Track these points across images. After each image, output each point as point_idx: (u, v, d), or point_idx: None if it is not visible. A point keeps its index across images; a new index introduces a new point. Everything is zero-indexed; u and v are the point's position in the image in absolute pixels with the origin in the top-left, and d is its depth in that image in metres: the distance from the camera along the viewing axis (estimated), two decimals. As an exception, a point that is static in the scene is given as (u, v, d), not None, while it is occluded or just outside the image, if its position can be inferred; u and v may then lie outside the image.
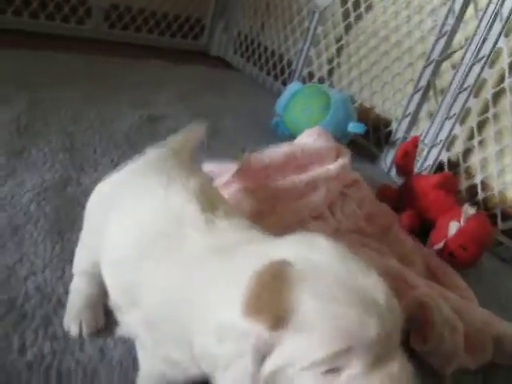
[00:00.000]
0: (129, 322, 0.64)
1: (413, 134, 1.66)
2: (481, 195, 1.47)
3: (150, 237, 0.61)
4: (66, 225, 0.95)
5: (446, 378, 0.89)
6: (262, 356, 0.44)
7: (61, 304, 0.79)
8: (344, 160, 1.20)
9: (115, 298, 0.66)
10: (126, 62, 1.95)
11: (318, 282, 0.45)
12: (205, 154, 1.36)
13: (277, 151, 1.15)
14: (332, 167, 1.16)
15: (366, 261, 0.50)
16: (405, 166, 1.37)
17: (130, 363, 0.73)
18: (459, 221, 1.17)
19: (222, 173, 1.08)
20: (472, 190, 1.51)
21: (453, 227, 1.17)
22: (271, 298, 0.44)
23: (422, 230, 1.29)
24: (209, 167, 1.24)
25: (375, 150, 1.79)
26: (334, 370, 0.43)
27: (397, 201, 1.36)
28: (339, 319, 0.42)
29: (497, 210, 1.43)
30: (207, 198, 0.65)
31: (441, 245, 1.17)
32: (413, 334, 0.94)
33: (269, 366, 0.44)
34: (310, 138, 1.25)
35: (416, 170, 1.53)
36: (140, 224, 0.63)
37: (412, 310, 0.93)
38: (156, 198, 0.65)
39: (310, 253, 0.48)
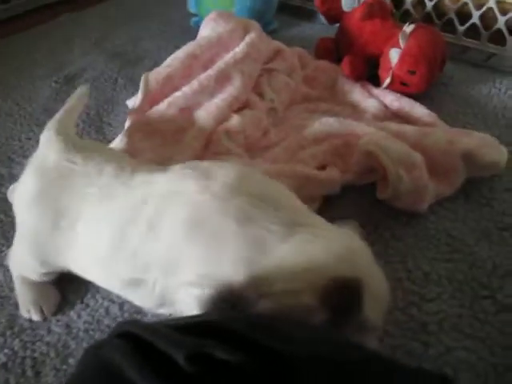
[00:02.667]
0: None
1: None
2: (430, 4, 1.31)
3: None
4: (8, 226, 0.93)
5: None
6: None
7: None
8: (251, 36, 1.06)
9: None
10: (25, 34, 1.77)
11: None
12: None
13: (174, 57, 1.04)
14: (237, 49, 1.04)
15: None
16: (329, 10, 1.22)
17: (96, 327, 0.74)
18: (399, 46, 1.04)
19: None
20: (420, 3, 1.35)
21: (394, 55, 1.05)
22: None
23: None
24: (131, 103, 1.17)
25: (311, 6, 1.60)
26: None
27: (336, 52, 1.23)
28: None
29: (451, 14, 1.28)
30: None
31: (388, 79, 1.06)
32: (378, 186, 0.89)
33: None
34: (207, 29, 1.11)
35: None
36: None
37: (363, 162, 0.88)
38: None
39: None
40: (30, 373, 0.70)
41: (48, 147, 0.75)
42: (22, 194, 0.74)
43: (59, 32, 1.75)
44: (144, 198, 0.62)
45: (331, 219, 0.86)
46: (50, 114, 1.24)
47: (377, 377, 0.43)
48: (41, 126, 1.21)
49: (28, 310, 0.77)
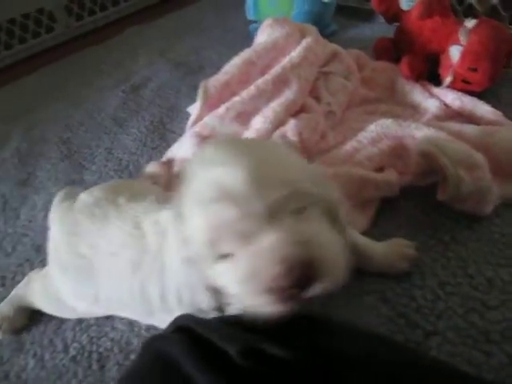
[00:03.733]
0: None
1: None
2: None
3: None
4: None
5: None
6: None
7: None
8: (307, 40, 1.07)
9: None
10: (95, 47, 1.92)
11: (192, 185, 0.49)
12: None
13: (232, 64, 1.07)
14: (294, 53, 1.05)
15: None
16: (387, 10, 1.19)
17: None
18: (460, 43, 1.00)
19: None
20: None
21: (454, 52, 1.01)
22: None
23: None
24: (191, 109, 1.21)
25: (369, 6, 1.57)
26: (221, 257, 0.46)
27: (395, 52, 1.20)
28: (201, 216, 0.47)
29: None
30: None
31: (450, 77, 1.02)
32: (439, 187, 0.86)
33: None
34: (263, 35, 1.13)
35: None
36: None
37: (421, 163, 0.85)
38: None
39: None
40: (95, 366, 0.74)
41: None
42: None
43: (125, 45, 1.86)
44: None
45: (390, 222, 0.86)
46: (117, 122, 1.33)
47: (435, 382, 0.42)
48: (109, 134, 1.30)
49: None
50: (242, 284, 0.44)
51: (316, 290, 0.43)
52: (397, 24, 1.27)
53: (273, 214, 0.44)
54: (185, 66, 1.56)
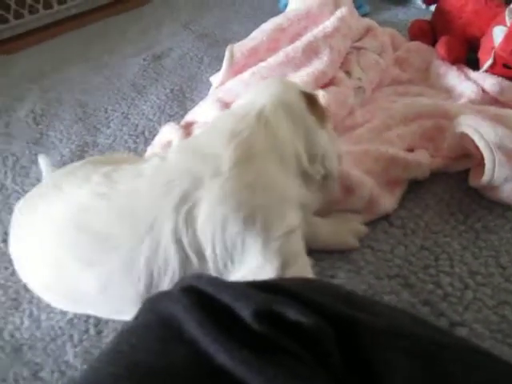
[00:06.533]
0: None
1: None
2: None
3: None
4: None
5: None
6: None
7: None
8: (342, 11, 1.00)
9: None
10: (121, 16, 1.87)
11: None
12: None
13: (261, 30, 1.01)
14: (328, 23, 0.98)
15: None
16: (427, -12, 1.13)
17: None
18: (505, 23, 0.94)
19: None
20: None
21: (498, 33, 0.94)
22: None
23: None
24: (214, 79, 1.16)
25: (406, -11, 1.51)
26: None
27: (432, 34, 1.14)
28: None
29: None
30: None
31: (490, 60, 0.96)
32: (471, 172, 0.81)
33: None
34: (296, 3, 1.07)
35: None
36: None
37: (456, 146, 0.80)
38: None
39: None
40: (92, 331, 0.70)
41: None
42: None
43: (151, 15, 1.81)
44: None
45: (417, 203, 0.81)
46: (136, 88, 1.29)
47: (461, 364, 0.37)
48: (127, 99, 1.25)
49: None
50: None
51: None
52: (433, 9, 1.21)
53: None
54: (209, 38, 1.51)
